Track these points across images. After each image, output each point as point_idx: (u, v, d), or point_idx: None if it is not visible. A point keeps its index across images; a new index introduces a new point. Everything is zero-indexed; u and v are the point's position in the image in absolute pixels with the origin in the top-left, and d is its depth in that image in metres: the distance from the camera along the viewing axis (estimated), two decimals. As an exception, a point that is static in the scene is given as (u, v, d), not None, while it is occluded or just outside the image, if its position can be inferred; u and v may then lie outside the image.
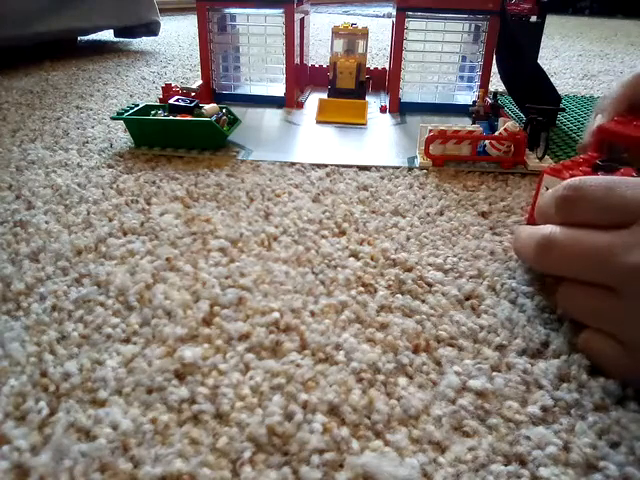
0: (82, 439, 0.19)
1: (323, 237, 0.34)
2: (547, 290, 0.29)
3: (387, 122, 0.59)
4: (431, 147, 0.46)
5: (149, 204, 0.38)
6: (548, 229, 0.25)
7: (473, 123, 0.53)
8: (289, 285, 0.29)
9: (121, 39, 1.19)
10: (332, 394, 0.21)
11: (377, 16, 2.16)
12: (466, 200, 0.40)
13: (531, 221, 0.32)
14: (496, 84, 0.70)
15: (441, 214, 0.38)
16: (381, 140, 0.54)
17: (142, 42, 1.20)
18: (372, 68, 0.72)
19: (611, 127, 0.35)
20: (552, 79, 0.61)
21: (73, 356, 0.23)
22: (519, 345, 0.25)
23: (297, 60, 0.61)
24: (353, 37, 0.63)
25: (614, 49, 1.35)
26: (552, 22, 1.72)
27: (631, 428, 0.20)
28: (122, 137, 0.52)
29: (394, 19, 0.60)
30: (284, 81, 0.61)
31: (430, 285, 0.29)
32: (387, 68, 0.67)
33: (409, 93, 0.62)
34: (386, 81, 0.69)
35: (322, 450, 0.19)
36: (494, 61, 0.59)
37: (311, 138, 0.54)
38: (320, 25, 1.65)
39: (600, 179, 0.24)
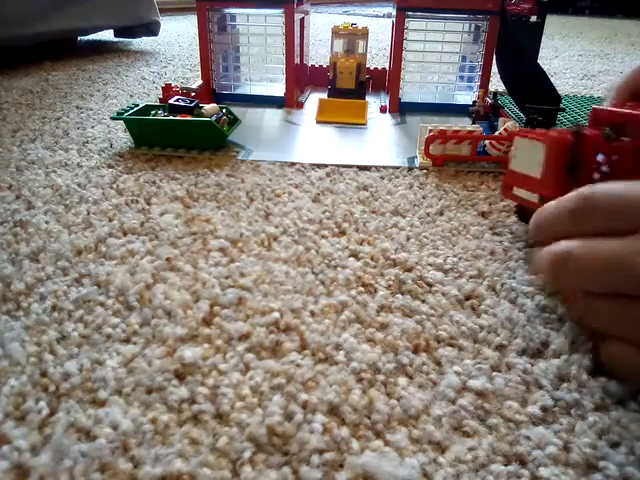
0: (82, 439, 0.19)
1: (323, 237, 0.34)
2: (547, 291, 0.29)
3: (387, 122, 0.59)
4: (431, 147, 0.46)
5: (149, 204, 0.38)
6: (562, 245, 0.24)
7: (473, 123, 0.53)
8: (289, 285, 0.29)
9: (121, 39, 1.19)
10: (332, 394, 0.21)
11: (377, 16, 2.16)
12: (466, 200, 0.40)
13: (507, 182, 0.33)
14: (496, 84, 0.70)
15: (441, 214, 0.38)
16: (381, 140, 0.54)
17: (142, 42, 1.20)
18: (372, 68, 0.72)
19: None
20: (552, 79, 0.61)
21: (73, 356, 0.23)
22: (519, 345, 0.25)
23: (297, 60, 0.61)
24: (353, 37, 0.63)
25: (614, 49, 1.35)
26: (552, 22, 1.72)
27: (631, 428, 0.20)
28: (122, 137, 0.52)
29: (394, 19, 0.60)
30: (284, 81, 0.61)
31: (430, 285, 0.29)
32: (387, 68, 0.67)
33: (409, 93, 0.62)
34: (386, 81, 0.69)
35: (322, 450, 0.19)
36: (494, 61, 0.59)
37: (311, 138, 0.54)
38: (320, 25, 1.65)
39: (610, 186, 0.23)
